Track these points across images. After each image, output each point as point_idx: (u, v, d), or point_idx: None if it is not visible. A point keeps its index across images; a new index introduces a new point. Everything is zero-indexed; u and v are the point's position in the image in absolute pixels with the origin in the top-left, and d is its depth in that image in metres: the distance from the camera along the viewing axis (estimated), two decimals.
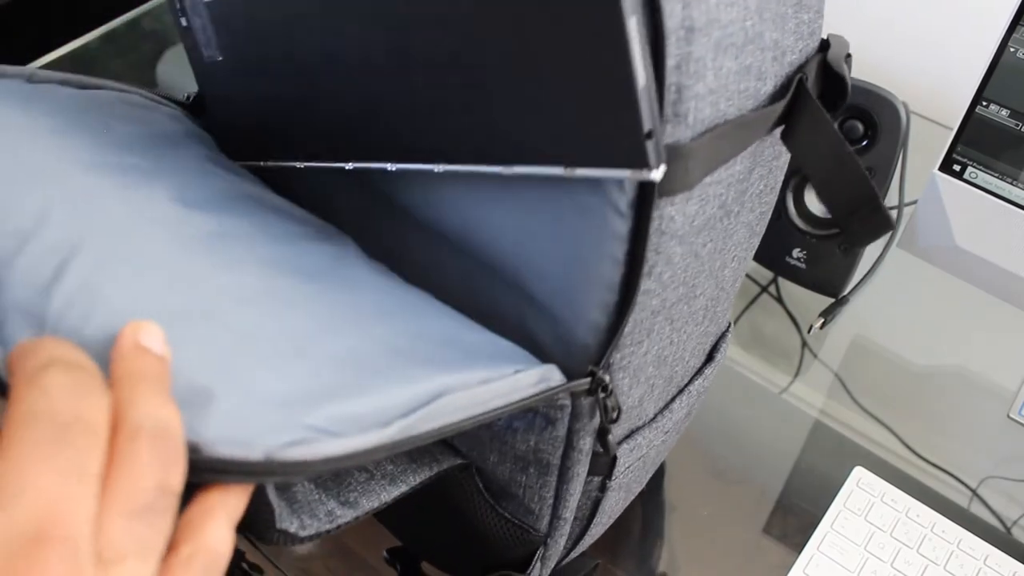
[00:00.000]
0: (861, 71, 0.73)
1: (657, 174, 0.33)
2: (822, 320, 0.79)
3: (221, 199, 0.44)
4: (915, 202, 0.75)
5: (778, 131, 0.42)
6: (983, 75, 0.67)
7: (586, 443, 0.44)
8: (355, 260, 0.44)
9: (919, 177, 0.76)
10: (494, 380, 0.38)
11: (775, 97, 0.40)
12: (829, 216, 0.75)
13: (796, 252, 0.79)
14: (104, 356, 0.31)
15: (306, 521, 0.40)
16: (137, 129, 0.46)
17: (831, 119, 0.41)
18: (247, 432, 0.30)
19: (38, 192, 0.37)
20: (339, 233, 0.46)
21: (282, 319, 0.37)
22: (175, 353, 0.32)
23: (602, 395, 0.40)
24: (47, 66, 0.91)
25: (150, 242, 0.38)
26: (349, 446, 0.32)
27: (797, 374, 0.79)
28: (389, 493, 0.45)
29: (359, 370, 0.35)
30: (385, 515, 0.61)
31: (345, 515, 0.43)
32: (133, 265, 0.36)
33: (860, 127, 0.72)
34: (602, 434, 0.43)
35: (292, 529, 0.39)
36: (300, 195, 0.48)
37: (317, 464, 0.31)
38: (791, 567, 0.64)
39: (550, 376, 0.40)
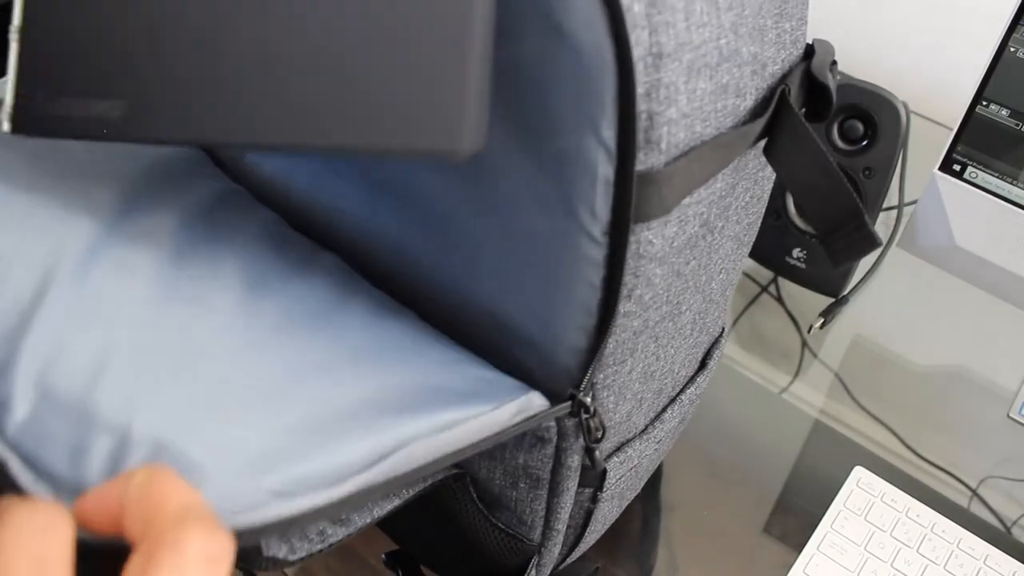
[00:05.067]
0: (861, 71, 0.73)
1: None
2: (822, 320, 0.79)
3: (196, 240, 0.42)
4: (915, 202, 0.74)
5: (762, 143, 0.42)
6: (983, 75, 0.67)
7: (574, 460, 0.45)
8: (338, 294, 0.43)
9: (919, 177, 0.75)
10: (466, 421, 0.37)
11: (756, 112, 0.40)
12: None
13: (796, 252, 0.78)
14: (69, 406, 0.32)
15: (296, 544, 0.40)
16: (120, 158, 0.45)
17: (814, 132, 0.40)
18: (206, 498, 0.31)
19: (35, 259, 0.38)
20: (322, 256, 0.45)
21: (250, 370, 0.36)
22: (144, 411, 0.33)
23: (584, 416, 0.41)
24: None
25: (129, 298, 0.38)
26: (302, 506, 0.32)
27: (797, 374, 0.78)
28: (382, 508, 0.46)
29: (323, 425, 0.35)
30: (382, 521, 0.62)
31: (337, 533, 0.43)
32: (111, 322, 0.36)
33: (860, 127, 0.72)
34: (589, 452, 0.43)
35: (281, 555, 0.39)
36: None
37: (265, 529, 0.31)
38: (791, 567, 0.64)
39: (529, 405, 0.40)
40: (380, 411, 0.37)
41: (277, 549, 0.40)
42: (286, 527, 0.32)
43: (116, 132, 0.37)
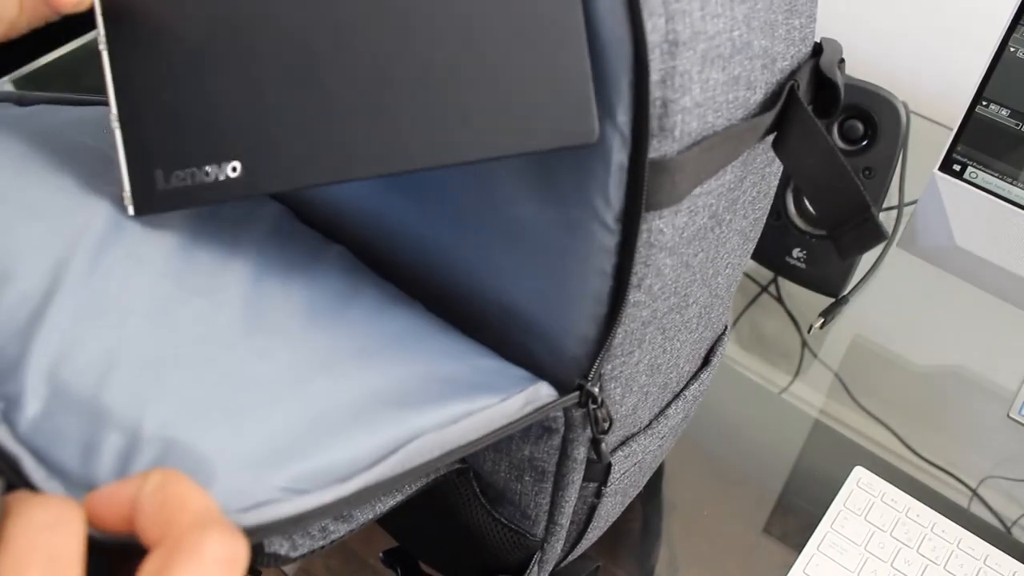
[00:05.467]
0: (861, 71, 0.73)
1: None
2: (822, 320, 0.79)
3: (204, 232, 0.42)
4: (915, 202, 0.75)
5: (770, 138, 0.42)
6: (983, 75, 0.67)
7: (580, 452, 0.44)
8: (346, 286, 0.43)
9: (919, 177, 0.76)
10: (475, 413, 0.37)
11: (766, 106, 0.40)
12: None
13: (796, 252, 0.78)
14: (80, 403, 0.32)
15: (298, 541, 0.40)
16: None
17: (823, 127, 0.40)
18: (215, 495, 0.31)
19: (45, 254, 0.38)
20: (330, 248, 0.45)
21: (259, 365, 0.36)
22: (154, 407, 0.33)
23: (592, 407, 0.41)
24: (37, 72, 0.91)
25: (139, 293, 0.38)
26: (311, 503, 0.32)
27: (797, 374, 0.79)
28: (384, 503, 0.46)
29: (332, 420, 0.35)
30: (383, 518, 0.62)
31: (339, 529, 0.43)
32: (121, 318, 0.36)
33: (860, 127, 0.72)
34: (595, 443, 0.43)
35: (283, 551, 0.39)
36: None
37: (275, 526, 0.32)
38: (791, 567, 0.64)
39: (537, 396, 0.40)
40: (388, 404, 0.36)
41: (279, 546, 0.40)
42: (294, 524, 0.32)
43: (242, 189, 0.36)
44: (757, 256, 0.82)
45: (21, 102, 0.46)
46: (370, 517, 0.45)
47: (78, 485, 0.32)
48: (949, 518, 0.67)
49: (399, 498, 0.46)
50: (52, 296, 0.36)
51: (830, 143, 0.40)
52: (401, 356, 0.39)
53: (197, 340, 0.36)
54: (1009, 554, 0.65)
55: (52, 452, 0.32)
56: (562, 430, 0.43)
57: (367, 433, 0.35)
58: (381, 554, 0.63)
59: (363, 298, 0.42)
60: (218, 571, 0.25)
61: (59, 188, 0.40)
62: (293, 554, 0.41)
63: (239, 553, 0.26)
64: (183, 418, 0.33)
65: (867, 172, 0.73)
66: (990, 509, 0.70)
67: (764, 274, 0.85)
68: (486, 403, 0.38)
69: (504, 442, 0.45)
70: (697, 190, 0.38)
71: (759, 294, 0.84)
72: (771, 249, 0.79)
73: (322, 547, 0.43)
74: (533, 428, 0.44)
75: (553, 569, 0.56)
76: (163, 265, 0.39)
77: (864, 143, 0.72)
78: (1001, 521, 0.69)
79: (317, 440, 0.34)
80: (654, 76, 0.32)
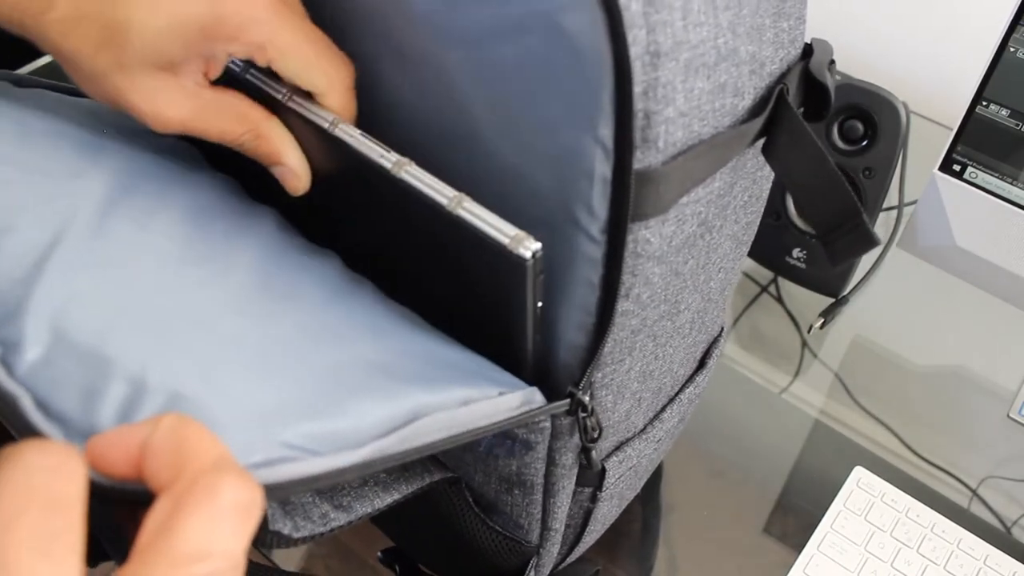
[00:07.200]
0: (861, 71, 0.73)
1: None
2: (822, 320, 0.79)
3: (210, 211, 0.43)
4: (915, 202, 0.74)
5: (760, 143, 0.42)
6: (983, 75, 0.67)
7: (568, 458, 0.45)
8: (343, 276, 0.44)
9: (919, 177, 0.75)
10: (476, 401, 0.37)
11: (754, 111, 0.40)
12: None
13: (796, 252, 0.78)
14: (82, 351, 0.33)
15: (300, 523, 0.40)
16: (128, 137, 0.46)
17: (812, 131, 0.40)
18: None
19: (47, 207, 0.38)
20: (325, 251, 0.46)
21: (267, 329, 0.37)
22: (160, 360, 0.33)
23: (582, 415, 0.41)
24: (37, 73, 0.91)
25: (145, 253, 0.38)
26: (321, 466, 0.32)
27: (797, 374, 0.78)
28: (382, 500, 0.46)
29: (339, 386, 0.35)
30: (383, 521, 0.62)
31: (339, 518, 0.43)
32: (126, 273, 0.36)
33: (860, 127, 0.72)
34: (586, 451, 0.43)
35: (285, 531, 0.39)
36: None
37: (288, 485, 0.31)
38: (791, 567, 0.64)
39: (532, 399, 0.40)
40: (395, 379, 0.37)
41: (282, 524, 0.40)
42: (303, 486, 0.32)
43: None
44: (757, 256, 0.81)
45: (19, 84, 0.47)
46: (368, 511, 0.45)
47: (78, 431, 0.31)
48: (949, 518, 0.67)
49: (396, 496, 0.46)
50: (55, 248, 0.36)
51: (819, 147, 0.40)
52: (410, 337, 0.40)
53: (204, 302, 0.37)
54: (1009, 554, 0.65)
55: (52, 396, 0.32)
56: (546, 441, 0.43)
57: (375, 402, 0.35)
58: (380, 553, 0.63)
59: (365, 290, 0.43)
60: (233, 516, 0.24)
61: (64, 154, 0.41)
62: (296, 535, 0.41)
63: (255, 500, 0.25)
64: (189, 372, 0.33)
65: (867, 172, 0.72)
66: (990, 509, 0.70)
67: (764, 274, 0.85)
68: (487, 393, 0.38)
69: (490, 459, 0.46)
70: (684, 199, 0.38)
71: (759, 294, 0.84)
72: (771, 249, 0.79)
73: (322, 534, 0.43)
74: (516, 446, 0.44)
75: (551, 572, 0.56)
76: (171, 230, 0.39)
77: (864, 143, 0.72)
78: (1001, 521, 0.69)
79: (327, 402, 0.34)
80: (636, 88, 0.32)
